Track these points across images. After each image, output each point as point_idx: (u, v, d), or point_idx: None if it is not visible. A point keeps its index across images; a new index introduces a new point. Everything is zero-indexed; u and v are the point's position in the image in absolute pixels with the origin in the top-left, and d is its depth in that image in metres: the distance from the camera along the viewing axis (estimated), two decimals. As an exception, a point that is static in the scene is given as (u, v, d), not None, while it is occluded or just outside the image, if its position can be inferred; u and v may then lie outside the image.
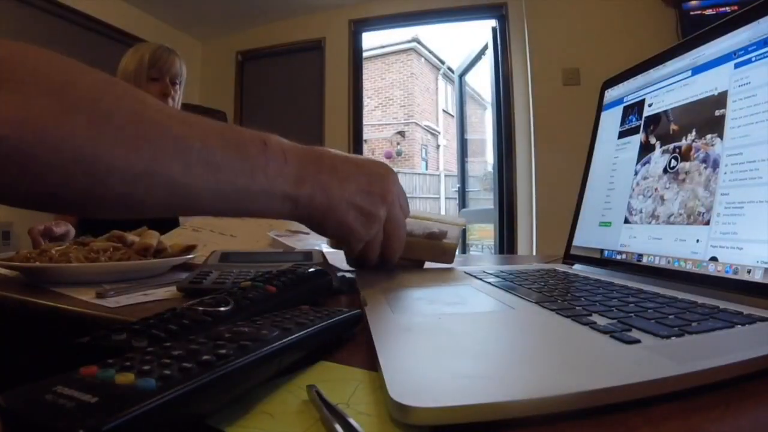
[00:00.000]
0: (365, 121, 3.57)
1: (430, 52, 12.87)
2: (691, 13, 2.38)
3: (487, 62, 3.09)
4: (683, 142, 0.47)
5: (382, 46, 12.15)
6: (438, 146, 13.62)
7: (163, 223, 0.80)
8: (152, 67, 1.21)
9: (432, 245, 0.57)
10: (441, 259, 0.59)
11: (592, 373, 0.22)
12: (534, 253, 2.68)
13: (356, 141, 3.26)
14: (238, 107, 3.54)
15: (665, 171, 0.48)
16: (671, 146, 0.48)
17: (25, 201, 0.26)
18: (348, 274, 0.50)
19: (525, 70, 2.76)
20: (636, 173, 0.53)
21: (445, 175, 12.11)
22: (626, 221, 0.52)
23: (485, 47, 3.12)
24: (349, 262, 0.52)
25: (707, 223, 0.41)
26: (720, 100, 0.43)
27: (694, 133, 0.45)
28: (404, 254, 0.49)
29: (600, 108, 0.64)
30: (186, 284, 0.48)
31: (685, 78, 0.49)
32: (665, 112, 0.51)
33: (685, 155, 0.46)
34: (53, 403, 0.15)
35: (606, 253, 0.54)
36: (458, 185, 3.73)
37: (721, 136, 0.42)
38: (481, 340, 0.29)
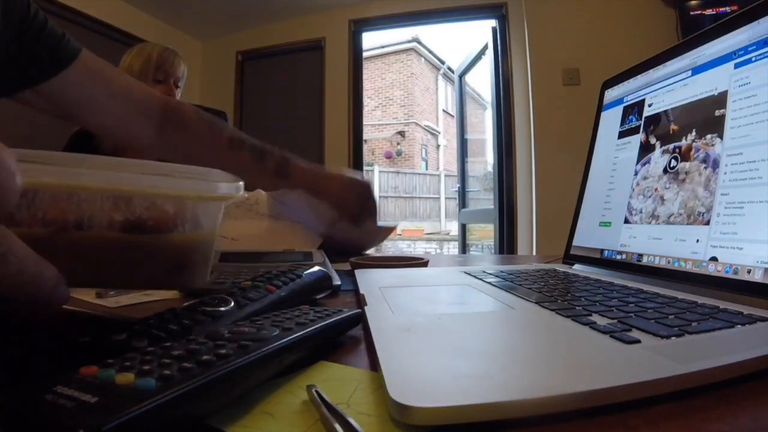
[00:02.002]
0: (365, 121, 3.57)
1: (430, 52, 12.87)
2: (691, 13, 2.38)
3: (487, 62, 3.09)
4: (683, 142, 0.47)
5: (382, 46, 12.16)
6: (438, 146, 13.63)
7: None
8: (158, 69, 1.20)
9: (137, 246, 0.26)
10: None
11: (592, 373, 0.22)
12: (534, 253, 2.67)
13: (356, 141, 3.26)
14: (238, 107, 3.54)
15: (665, 171, 0.48)
16: (671, 146, 0.48)
17: None
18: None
19: (525, 70, 2.76)
20: (636, 173, 0.53)
21: (445, 175, 12.12)
22: (626, 221, 0.52)
23: (485, 47, 3.12)
24: None
25: (707, 223, 0.41)
26: (720, 100, 0.43)
27: (694, 133, 0.45)
28: (81, 273, 0.22)
29: (600, 108, 0.64)
30: (186, 284, 0.48)
31: (685, 78, 0.49)
32: (665, 112, 0.51)
33: (685, 155, 0.46)
34: (53, 403, 0.15)
35: (606, 253, 0.54)
36: (458, 185, 3.73)
37: (721, 136, 0.42)
38: (481, 340, 0.29)
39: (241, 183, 0.31)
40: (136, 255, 0.25)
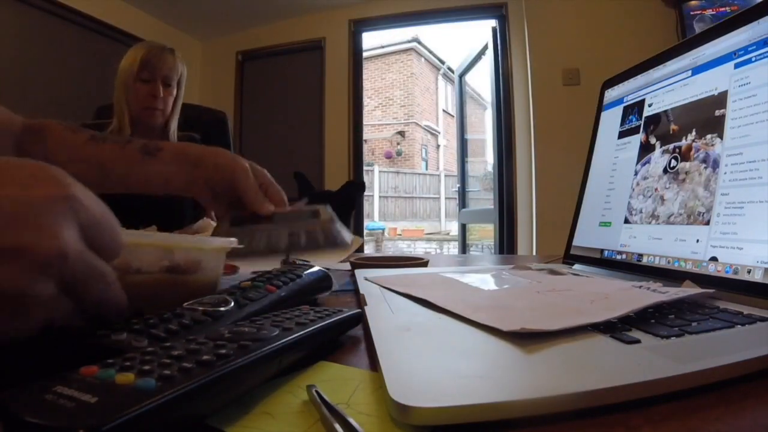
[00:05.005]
0: (365, 121, 3.57)
1: (430, 52, 12.87)
2: (692, 13, 2.38)
3: (487, 62, 3.09)
4: (683, 142, 0.47)
5: (382, 46, 12.15)
6: (438, 146, 13.62)
7: (168, 224, 0.80)
8: (143, 68, 1.15)
9: (175, 283, 0.37)
10: None
11: (592, 373, 0.22)
12: (534, 253, 2.67)
13: (356, 141, 3.26)
14: (238, 107, 3.53)
15: (665, 171, 0.48)
16: (671, 146, 0.48)
17: None
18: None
19: (525, 70, 2.76)
20: (636, 173, 0.53)
21: (445, 175, 12.11)
22: (626, 221, 0.52)
23: (485, 47, 3.12)
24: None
25: (707, 223, 0.41)
26: (720, 100, 0.43)
27: (694, 133, 0.45)
28: (137, 301, 0.30)
29: (600, 108, 0.64)
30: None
31: (686, 78, 0.49)
32: (665, 112, 0.51)
33: (685, 155, 0.46)
34: (53, 403, 0.15)
35: (606, 253, 0.54)
36: (458, 185, 3.73)
37: (721, 136, 0.42)
38: (481, 341, 0.29)
39: (234, 239, 0.41)
40: (173, 289, 0.36)
